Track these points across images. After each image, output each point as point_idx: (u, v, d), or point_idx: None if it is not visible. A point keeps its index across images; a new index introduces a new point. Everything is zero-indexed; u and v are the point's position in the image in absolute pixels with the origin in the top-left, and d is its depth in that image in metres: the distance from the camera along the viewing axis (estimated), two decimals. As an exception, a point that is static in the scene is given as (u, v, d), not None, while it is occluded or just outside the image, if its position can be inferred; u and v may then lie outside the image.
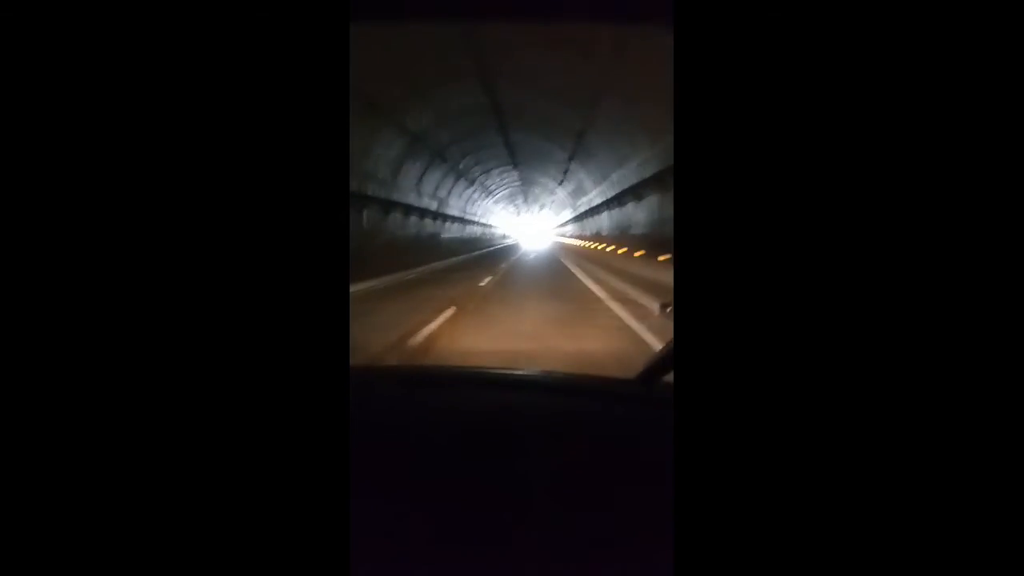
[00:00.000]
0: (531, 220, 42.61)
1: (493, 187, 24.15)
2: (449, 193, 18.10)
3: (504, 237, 29.85)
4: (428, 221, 17.20)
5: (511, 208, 34.75)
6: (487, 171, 19.73)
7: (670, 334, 0.55)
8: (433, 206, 17.02)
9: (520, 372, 1.17)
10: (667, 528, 0.39)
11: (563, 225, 32.48)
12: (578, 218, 24.53)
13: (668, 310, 0.85)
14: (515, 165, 19.62)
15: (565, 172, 18.45)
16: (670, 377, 0.84)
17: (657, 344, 3.85)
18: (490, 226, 31.73)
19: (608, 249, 14.92)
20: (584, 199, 20.45)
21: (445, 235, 20.22)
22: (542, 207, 34.55)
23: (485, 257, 18.27)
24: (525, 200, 32.45)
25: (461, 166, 16.39)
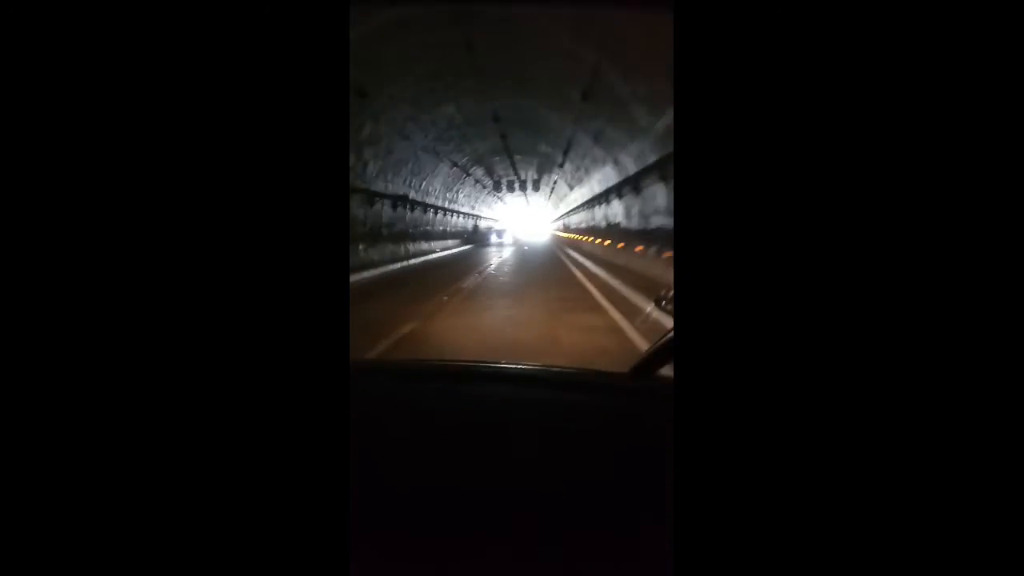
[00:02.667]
0: (527, 210, 40.99)
1: (484, 174, 22.84)
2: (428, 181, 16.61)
3: (491, 231, 27.08)
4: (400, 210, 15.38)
5: (505, 196, 33.24)
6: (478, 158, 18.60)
7: (661, 328, 0.67)
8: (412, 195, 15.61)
9: (514, 366, 1.16)
10: (665, 521, 0.40)
11: (560, 218, 31.39)
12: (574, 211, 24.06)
13: (664, 304, 0.96)
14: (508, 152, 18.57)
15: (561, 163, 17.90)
16: (664, 371, 0.86)
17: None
18: (480, 217, 30.40)
19: (593, 240, 16.15)
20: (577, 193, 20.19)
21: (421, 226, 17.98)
22: (539, 194, 33.18)
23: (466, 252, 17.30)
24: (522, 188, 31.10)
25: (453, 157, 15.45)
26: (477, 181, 19.97)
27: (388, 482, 0.58)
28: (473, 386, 0.97)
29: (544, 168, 18.93)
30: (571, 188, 19.99)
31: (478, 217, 26.06)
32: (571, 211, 23.29)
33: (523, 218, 42.05)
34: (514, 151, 16.11)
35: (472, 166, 17.22)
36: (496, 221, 31.44)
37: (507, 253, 16.75)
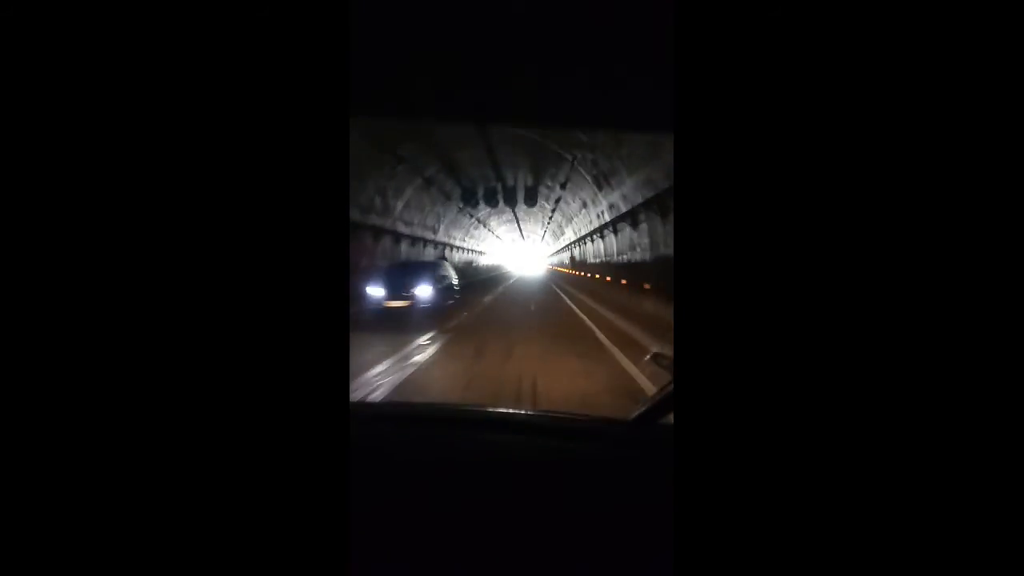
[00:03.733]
0: (525, 249, 39.18)
1: (490, 221, 21.53)
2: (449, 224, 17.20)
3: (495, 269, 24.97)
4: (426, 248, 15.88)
5: (506, 237, 31.34)
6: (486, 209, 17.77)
7: (660, 379, 0.91)
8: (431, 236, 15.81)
9: (515, 412, 1.14)
10: (670, 569, 0.39)
11: (553, 255, 29.46)
12: (564, 249, 22.74)
13: (661, 360, 1.02)
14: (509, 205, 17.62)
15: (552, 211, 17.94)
16: (665, 420, 0.87)
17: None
18: (485, 253, 28.40)
19: (578, 274, 17.13)
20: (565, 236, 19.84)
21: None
22: (534, 237, 31.31)
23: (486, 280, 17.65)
24: (520, 232, 29.15)
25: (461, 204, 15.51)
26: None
27: (386, 533, 0.58)
28: (474, 433, 0.95)
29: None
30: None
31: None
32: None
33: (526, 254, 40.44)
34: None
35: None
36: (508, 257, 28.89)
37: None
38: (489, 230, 25.66)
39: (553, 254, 31.10)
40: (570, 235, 19.44)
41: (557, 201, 15.07)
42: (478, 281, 19.02)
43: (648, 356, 1.14)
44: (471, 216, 19.14)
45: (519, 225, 27.01)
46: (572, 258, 20.94)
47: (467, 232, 21.18)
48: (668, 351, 0.72)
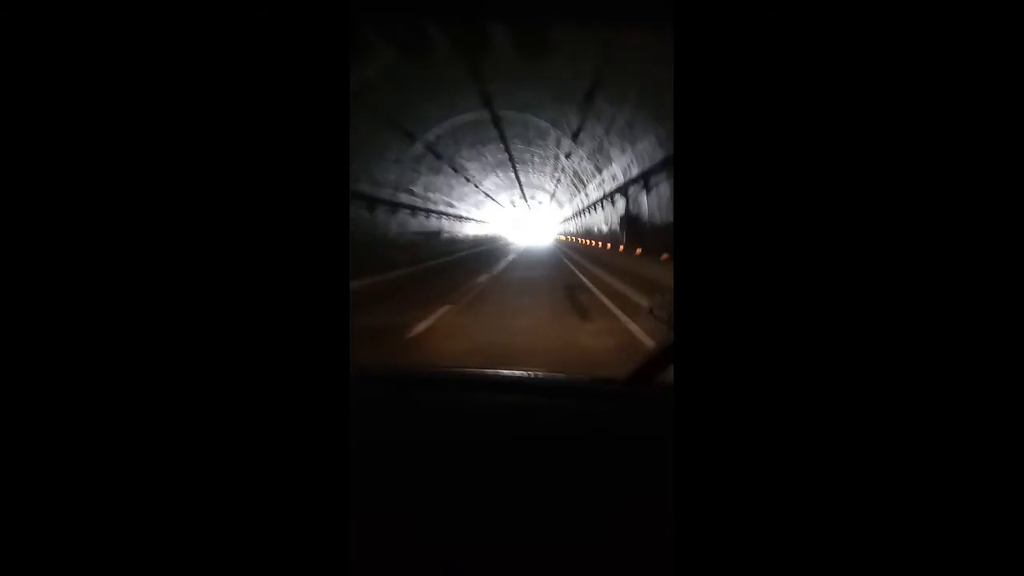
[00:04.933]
0: (529, 215, 34.29)
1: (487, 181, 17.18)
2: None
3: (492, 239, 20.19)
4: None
5: (506, 201, 26.43)
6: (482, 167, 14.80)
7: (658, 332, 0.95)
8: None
9: (515, 373, 1.10)
10: (666, 529, 0.40)
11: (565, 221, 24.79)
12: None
13: (656, 311, 1.04)
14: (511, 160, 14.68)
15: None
16: (663, 376, 0.86)
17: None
18: (485, 222, 23.67)
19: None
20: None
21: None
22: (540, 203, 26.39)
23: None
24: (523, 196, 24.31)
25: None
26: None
27: (388, 493, 0.58)
28: (470, 393, 0.96)
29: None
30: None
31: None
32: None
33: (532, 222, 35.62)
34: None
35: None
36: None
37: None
38: (483, 191, 21.01)
39: (565, 220, 26.36)
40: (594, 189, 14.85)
41: (576, 133, 10.33)
42: (448, 263, 12.90)
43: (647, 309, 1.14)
44: (456, 172, 14.60)
45: (521, 186, 22.23)
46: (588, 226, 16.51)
47: (453, 194, 16.62)
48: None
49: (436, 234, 15.28)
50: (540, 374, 1.09)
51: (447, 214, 16.27)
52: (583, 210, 17.80)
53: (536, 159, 14.54)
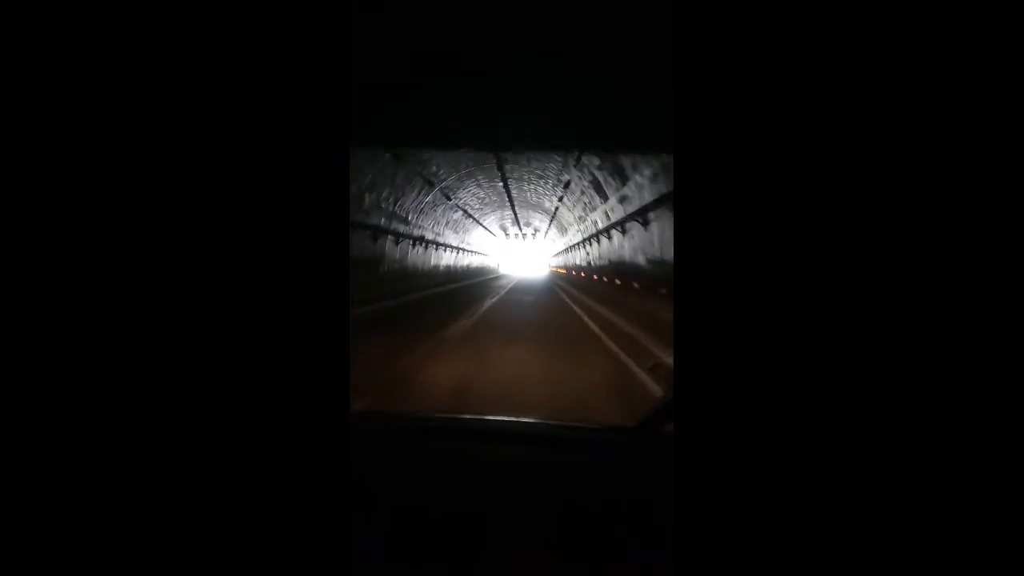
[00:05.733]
0: (524, 247, 32.42)
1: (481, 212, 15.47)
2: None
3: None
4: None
5: (501, 234, 24.46)
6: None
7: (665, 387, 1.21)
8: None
9: (520, 421, 1.09)
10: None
11: (557, 255, 22.82)
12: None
13: (659, 370, 1.58)
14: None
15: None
16: (669, 427, 0.86)
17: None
18: (476, 252, 21.63)
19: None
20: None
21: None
22: (536, 233, 24.49)
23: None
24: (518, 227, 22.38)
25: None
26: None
27: (391, 545, 0.57)
28: (480, 445, 0.93)
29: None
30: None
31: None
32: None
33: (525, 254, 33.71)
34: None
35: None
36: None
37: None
38: (476, 220, 19.00)
39: (561, 252, 24.47)
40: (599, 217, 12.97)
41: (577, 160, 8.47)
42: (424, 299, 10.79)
43: (650, 365, 1.39)
44: (447, 199, 12.65)
45: (515, 215, 20.33)
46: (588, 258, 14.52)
47: (441, 222, 14.57)
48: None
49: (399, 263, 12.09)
50: (546, 421, 1.04)
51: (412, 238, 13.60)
52: (584, 240, 15.83)
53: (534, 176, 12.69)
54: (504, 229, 23.80)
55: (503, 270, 32.30)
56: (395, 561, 0.54)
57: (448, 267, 17.97)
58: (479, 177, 12.67)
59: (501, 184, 13.60)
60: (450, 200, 13.72)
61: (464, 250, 20.14)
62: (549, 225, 20.21)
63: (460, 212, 15.81)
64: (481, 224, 19.54)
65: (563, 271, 22.99)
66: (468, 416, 1.28)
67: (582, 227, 15.30)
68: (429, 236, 14.17)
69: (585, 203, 12.71)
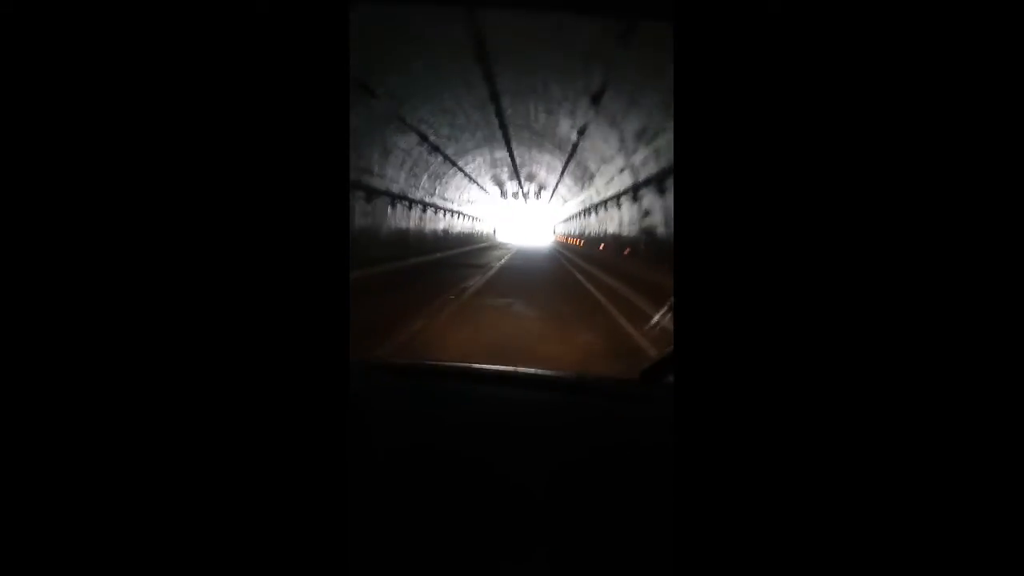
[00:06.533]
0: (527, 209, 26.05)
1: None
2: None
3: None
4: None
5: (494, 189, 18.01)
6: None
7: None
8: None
9: (523, 370, 1.06)
10: (667, 527, 0.41)
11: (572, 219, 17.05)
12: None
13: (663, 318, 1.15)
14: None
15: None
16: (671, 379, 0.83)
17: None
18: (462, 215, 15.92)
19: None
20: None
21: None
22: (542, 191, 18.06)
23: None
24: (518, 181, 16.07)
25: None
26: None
27: (389, 483, 0.57)
28: (482, 387, 0.93)
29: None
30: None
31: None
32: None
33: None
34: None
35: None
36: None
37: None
38: (466, 175, 12.85)
39: (571, 218, 18.16)
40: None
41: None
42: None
43: (655, 320, 1.14)
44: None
45: (516, 170, 14.09)
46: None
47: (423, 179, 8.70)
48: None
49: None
50: (546, 372, 1.03)
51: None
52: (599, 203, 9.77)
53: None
54: (500, 184, 17.50)
55: (497, 238, 26.20)
56: (395, 502, 0.53)
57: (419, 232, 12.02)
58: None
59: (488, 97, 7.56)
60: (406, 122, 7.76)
61: (440, 208, 14.04)
62: (563, 173, 13.91)
63: (425, 145, 9.75)
64: (462, 170, 13.42)
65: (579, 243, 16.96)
66: (470, 365, 1.15)
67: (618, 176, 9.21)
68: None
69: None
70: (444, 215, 15.10)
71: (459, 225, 17.59)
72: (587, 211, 14.81)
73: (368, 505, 0.47)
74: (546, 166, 13.80)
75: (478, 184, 16.08)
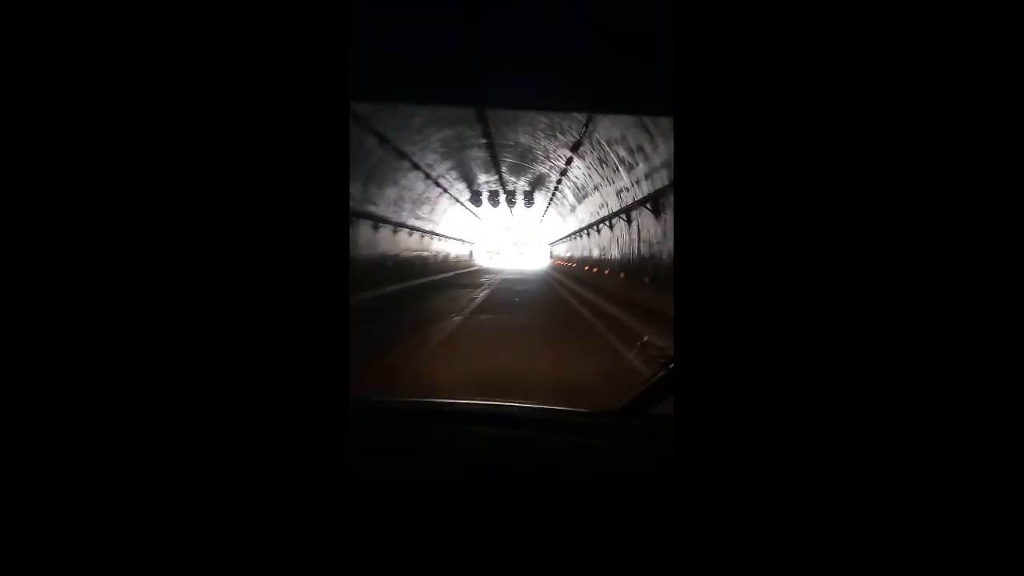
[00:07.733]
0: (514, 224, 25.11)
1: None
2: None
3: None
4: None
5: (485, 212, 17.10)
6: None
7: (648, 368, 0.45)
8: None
9: (505, 404, 1.08)
10: (666, 560, 0.40)
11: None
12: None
13: (650, 349, 1.33)
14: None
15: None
16: (655, 409, 0.85)
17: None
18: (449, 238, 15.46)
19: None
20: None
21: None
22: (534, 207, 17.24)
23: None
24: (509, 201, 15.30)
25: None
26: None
27: (381, 526, 0.57)
28: (468, 427, 0.93)
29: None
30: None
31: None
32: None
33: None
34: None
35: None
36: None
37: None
38: (444, 189, 12.18)
39: (569, 236, 17.40)
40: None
41: None
42: None
43: (639, 344, 1.38)
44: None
45: (503, 181, 13.49)
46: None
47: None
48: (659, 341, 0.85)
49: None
50: (530, 406, 1.03)
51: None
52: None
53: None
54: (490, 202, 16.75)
55: (478, 262, 25.29)
56: (387, 539, 0.53)
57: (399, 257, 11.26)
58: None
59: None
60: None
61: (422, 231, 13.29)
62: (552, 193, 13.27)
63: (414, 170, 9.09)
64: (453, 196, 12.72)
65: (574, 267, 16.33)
66: (455, 401, 1.19)
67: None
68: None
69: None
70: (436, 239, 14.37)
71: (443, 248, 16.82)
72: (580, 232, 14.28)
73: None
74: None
75: (456, 198, 15.37)
